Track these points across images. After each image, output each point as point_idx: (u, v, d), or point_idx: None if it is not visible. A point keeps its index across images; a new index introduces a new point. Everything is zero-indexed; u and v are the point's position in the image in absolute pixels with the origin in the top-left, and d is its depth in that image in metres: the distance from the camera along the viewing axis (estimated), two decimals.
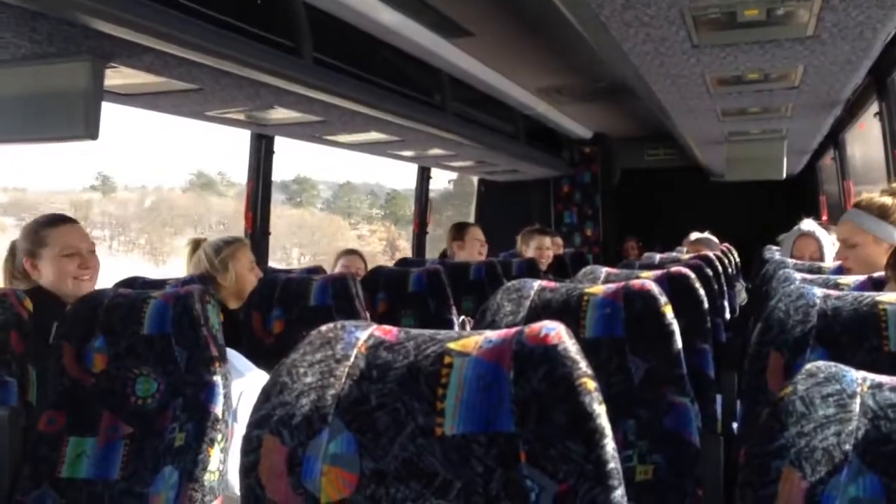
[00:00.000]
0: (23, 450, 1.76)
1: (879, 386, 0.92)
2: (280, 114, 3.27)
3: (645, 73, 2.76)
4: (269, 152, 4.01)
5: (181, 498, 1.61)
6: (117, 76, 2.44)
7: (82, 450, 1.75)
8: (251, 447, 0.94)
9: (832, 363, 0.95)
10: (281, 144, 4.06)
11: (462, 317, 3.52)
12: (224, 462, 1.67)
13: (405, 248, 5.55)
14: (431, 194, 5.99)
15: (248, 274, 2.81)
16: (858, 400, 0.91)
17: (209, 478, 1.62)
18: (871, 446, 0.88)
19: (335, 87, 2.91)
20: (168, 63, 2.33)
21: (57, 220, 2.33)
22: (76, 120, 2.21)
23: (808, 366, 0.95)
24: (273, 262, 4.34)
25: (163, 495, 1.64)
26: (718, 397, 2.38)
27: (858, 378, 0.93)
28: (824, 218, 6.44)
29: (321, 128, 3.66)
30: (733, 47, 2.45)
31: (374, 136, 4.06)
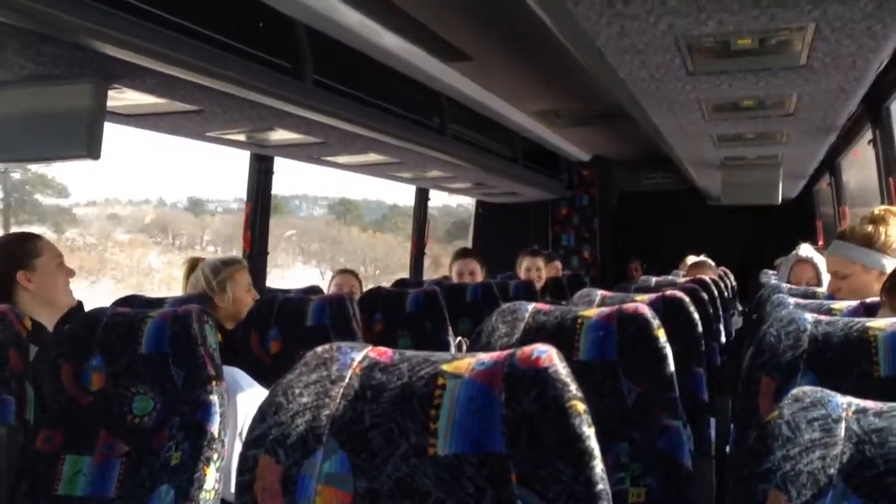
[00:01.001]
0: (20, 467, 1.77)
1: (864, 411, 0.93)
2: (280, 135, 3.30)
3: (641, 98, 2.79)
4: (269, 173, 4.04)
5: None
6: (120, 97, 2.47)
7: (79, 468, 1.75)
8: (247, 466, 0.96)
9: (818, 388, 0.97)
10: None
11: (459, 338, 3.53)
12: (220, 481, 1.67)
13: (445, 262, 5.67)
14: (463, 214, 6.04)
15: (245, 296, 2.82)
16: (843, 424, 0.92)
17: (205, 496, 1.63)
18: (856, 470, 0.89)
19: (335, 109, 2.94)
20: (170, 85, 2.36)
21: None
22: (79, 140, 2.24)
23: (795, 391, 0.97)
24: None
25: None
26: (712, 420, 2.39)
27: (844, 403, 0.95)
28: (820, 242, 6.47)
29: (320, 149, 3.70)
30: (728, 75, 2.48)
31: (373, 157, 4.09)
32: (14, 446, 1.80)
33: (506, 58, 3.81)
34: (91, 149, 2.25)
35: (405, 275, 5.92)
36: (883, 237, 2.35)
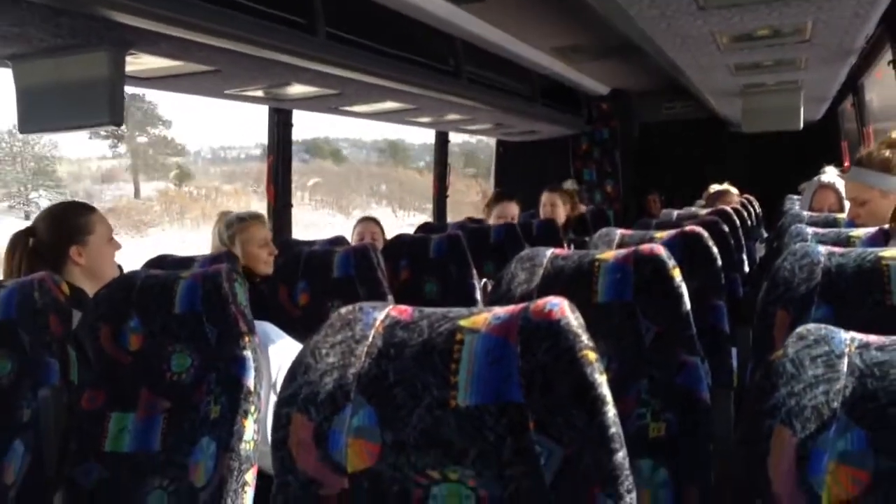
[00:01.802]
0: (68, 426, 1.85)
1: (867, 346, 0.97)
2: (297, 89, 3.32)
3: (653, 34, 2.77)
4: (288, 125, 4.07)
5: (219, 467, 1.69)
6: (138, 62, 2.50)
7: (124, 424, 1.83)
8: (280, 424, 1.02)
9: (822, 325, 1.00)
10: None
11: (484, 280, 3.58)
12: (258, 432, 1.75)
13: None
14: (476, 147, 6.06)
15: (257, 251, 2.85)
16: (846, 360, 0.96)
17: (245, 447, 1.70)
18: (858, 403, 0.93)
19: (349, 61, 2.96)
20: (186, 48, 2.39)
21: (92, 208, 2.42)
22: (101, 107, 2.28)
23: (800, 329, 1.01)
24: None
25: (202, 465, 1.72)
26: (734, 351, 2.43)
27: (847, 339, 0.98)
28: (846, 164, 6.40)
29: (337, 100, 3.71)
30: (739, 7, 2.46)
31: (390, 105, 4.10)
32: (60, 407, 1.88)
33: None
34: (113, 115, 2.29)
35: (465, 208, 5.87)
36: None
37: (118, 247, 2.41)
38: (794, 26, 2.82)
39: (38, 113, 2.37)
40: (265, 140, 4.16)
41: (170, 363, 1.86)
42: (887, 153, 2.36)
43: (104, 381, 1.88)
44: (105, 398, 1.86)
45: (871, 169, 2.37)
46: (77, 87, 2.29)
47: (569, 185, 6.27)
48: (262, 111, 3.98)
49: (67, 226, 2.33)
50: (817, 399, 0.95)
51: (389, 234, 3.99)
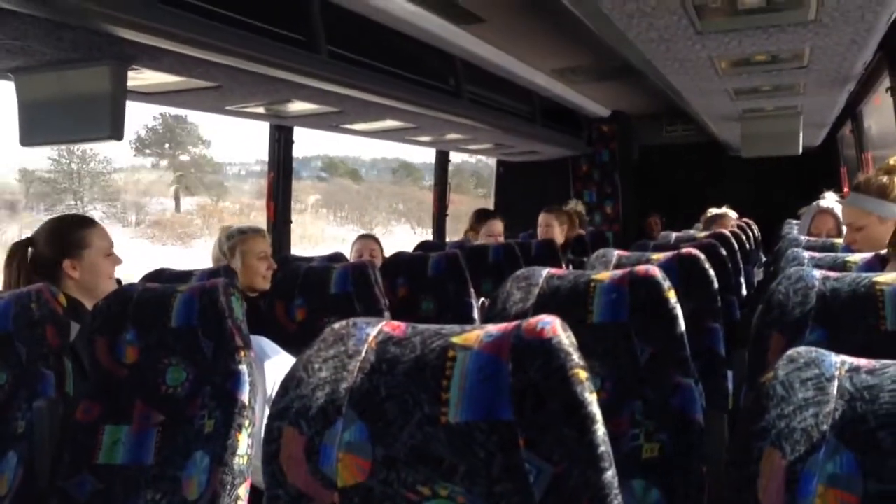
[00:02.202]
0: (62, 438, 1.85)
1: (857, 369, 0.97)
2: (297, 106, 3.34)
3: (652, 58, 2.79)
4: (289, 142, 4.09)
5: (212, 481, 1.69)
6: (140, 77, 2.52)
7: (118, 437, 1.83)
8: (272, 437, 1.02)
9: (813, 349, 1.01)
10: None
11: (482, 299, 3.58)
12: (251, 447, 1.75)
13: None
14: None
15: (256, 263, 2.85)
16: (836, 383, 0.96)
17: (238, 462, 1.70)
18: (848, 426, 0.93)
19: (350, 79, 2.98)
20: (187, 64, 2.41)
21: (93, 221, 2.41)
22: (102, 122, 2.29)
23: (790, 351, 1.01)
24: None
25: (195, 479, 1.72)
26: (730, 374, 2.43)
27: (837, 362, 0.98)
28: (845, 189, 6.42)
29: (338, 118, 3.74)
30: (737, 32, 2.48)
31: (391, 123, 4.12)
32: (55, 418, 1.88)
33: (518, 18, 3.80)
34: (114, 130, 2.30)
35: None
36: None
37: (118, 262, 2.39)
38: (792, 52, 2.84)
39: (39, 126, 2.39)
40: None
41: (165, 376, 1.86)
42: (885, 179, 2.38)
43: (99, 394, 1.88)
44: (100, 410, 1.86)
45: (868, 195, 2.39)
46: (79, 101, 2.30)
47: (572, 205, 6.29)
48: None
49: (63, 240, 2.32)
50: (807, 422, 0.95)
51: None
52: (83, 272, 2.32)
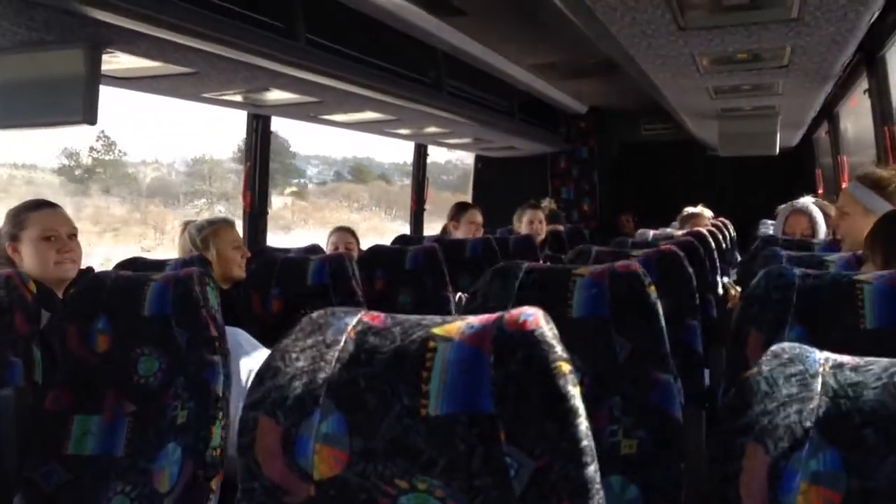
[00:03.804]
0: (30, 427, 1.82)
1: (841, 366, 0.96)
2: (276, 95, 3.31)
3: (634, 53, 2.79)
4: (266, 132, 4.05)
5: (184, 473, 1.66)
6: (115, 61, 2.47)
7: (87, 427, 1.80)
8: (247, 428, 1.00)
9: (797, 345, 1.00)
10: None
11: (459, 293, 3.57)
12: (225, 439, 1.72)
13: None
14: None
15: (230, 253, 2.82)
16: (820, 379, 0.95)
17: (211, 454, 1.68)
18: (832, 423, 0.93)
19: (329, 69, 2.95)
20: (164, 48, 2.37)
21: (39, 205, 2.35)
22: (74, 105, 2.25)
23: (774, 347, 1.00)
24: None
25: (166, 471, 1.69)
26: (707, 371, 2.44)
27: (821, 358, 0.98)
28: (820, 191, 6.47)
29: (317, 108, 3.70)
30: (720, 29, 2.48)
31: (370, 115, 4.09)
32: (23, 408, 1.85)
33: (500, 12, 3.79)
34: (87, 113, 2.26)
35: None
36: (894, 185, 2.37)
37: (67, 248, 2.33)
38: (773, 51, 2.84)
39: (11, 109, 2.34)
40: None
41: (137, 366, 1.83)
42: (885, 174, 2.39)
43: (69, 383, 1.85)
44: (69, 400, 1.83)
45: (864, 184, 2.40)
46: (52, 83, 2.26)
47: (546, 203, 6.30)
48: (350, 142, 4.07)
49: (9, 221, 2.31)
50: (790, 418, 0.94)
51: None
52: (24, 255, 2.30)
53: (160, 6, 2.10)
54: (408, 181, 6.23)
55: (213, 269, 2.78)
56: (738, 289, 3.07)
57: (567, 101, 6.61)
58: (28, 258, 2.30)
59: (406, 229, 6.05)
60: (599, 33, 2.51)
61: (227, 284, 2.83)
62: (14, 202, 2.36)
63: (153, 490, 1.68)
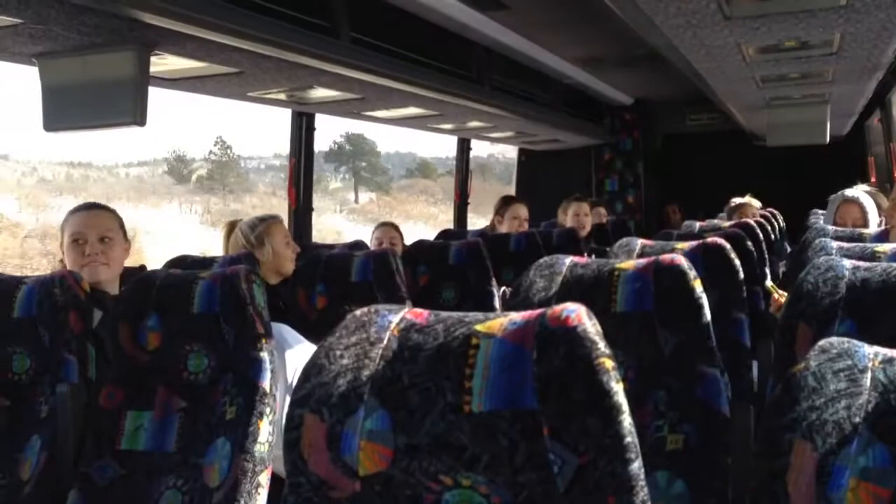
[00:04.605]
0: (85, 423, 1.86)
1: (891, 361, 0.95)
2: (319, 93, 3.33)
3: (678, 44, 2.75)
4: (311, 129, 4.08)
5: (233, 468, 1.68)
6: (162, 63, 2.52)
7: (140, 423, 1.83)
8: (293, 425, 1.01)
9: (846, 339, 0.99)
10: None
11: (503, 287, 3.57)
12: (273, 434, 1.74)
13: None
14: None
15: (284, 249, 2.86)
16: (869, 374, 0.94)
17: (259, 449, 1.70)
18: (881, 418, 0.91)
19: (372, 66, 2.96)
20: (209, 49, 2.40)
21: (78, 208, 2.41)
22: (125, 107, 2.29)
23: (822, 342, 0.99)
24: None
25: (216, 465, 1.72)
26: (755, 364, 2.40)
27: (870, 353, 0.96)
28: (873, 180, 6.34)
29: (360, 104, 3.73)
30: (767, 18, 2.43)
31: (413, 110, 4.11)
32: (78, 404, 1.89)
33: (542, 4, 3.77)
34: (136, 115, 2.30)
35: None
36: None
37: (84, 251, 2.36)
38: (822, 39, 2.78)
39: (63, 112, 2.39)
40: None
41: (187, 363, 1.86)
42: None
43: (122, 380, 1.88)
44: (122, 396, 1.87)
45: None
46: (102, 86, 2.30)
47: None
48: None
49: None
50: (839, 414, 0.93)
51: None
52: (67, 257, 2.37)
53: (205, 8, 2.14)
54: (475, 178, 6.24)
55: (264, 265, 2.82)
56: (782, 293, 3.01)
57: (611, 93, 6.55)
58: (66, 259, 2.37)
59: (478, 221, 6.06)
60: (643, 24, 2.48)
61: (276, 280, 2.87)
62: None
63: (203, 485, 1.71)
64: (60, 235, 2.38)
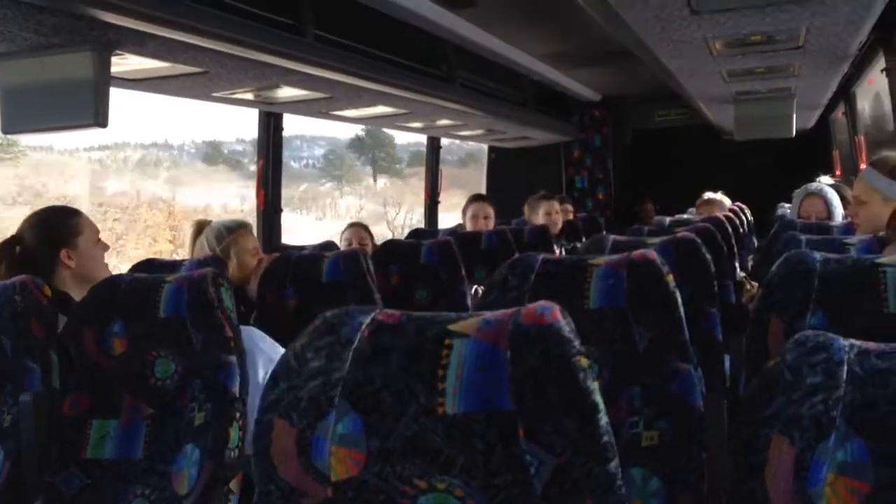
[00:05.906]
0: (49, 433, 1.82)
1: (866, 353, 0.94)
2: (286, 92, 3.30)
3: (646, 39, 2.75)
4: (279, 129, 4.04)
5: (202, 475, 1.66)
6: (124, 63, 2.47)
7: (106, 431, 1.80)
8: (263, 431, 0.98)
9: (821, 332, 0.98)
10: None
11: (475, 286, 3.55)
12: (243, 440, 1.72)
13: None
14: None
15: (249, 260, 2.79)
16: (846, 367, 0.93)
17: (229, 455, 1.67)
18: (858, 412, 0.91)
19: (339, 64, 2.93)
20: (172, 49, 2.36)
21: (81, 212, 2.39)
22: (85, 108, 2.25)
23: (798, 335, 0.98)
24: None
25: (185, 472, 1.69)
26: (727, 358, 2.40)
27: (846, 346, 0.95)
28: (837, 173, 6.41)
29: (328, 104, 3.69)
30: (733, 12, 2.44)
31: (382, 109, 4.08)
32: (42, 412, 1.85)
33: (510, 1, 3.76)
34: (98, 116, 2.26)
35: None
36: None
37: (106, 248, 2.37)
38: (788, 32, 2.80)
39: (22, 113, 2.34)
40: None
41: (153, 368, 1.83)
42: None
43: (87, 387, 1.85)
44: (87, 404, 1.83)
45: (880, 171, 2.37)
46: (62, 87, 2.25)
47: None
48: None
49: (55, 230, 2.29)
50: (816, 408, 0.92)
51: None
52: (79, 261, 2.29)
53: (167, 7, 2.09)
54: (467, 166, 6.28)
55: (230, 274, 2.77)
56: (754, 283, 3.02)
57: (580, 90, 6.57)
58: (86, 262, 2.30)
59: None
60: (611, 19, 2.48)
61: (241, 284, 2.82)
62: None
63: (173, 492, 1.68)
64: (70, 241, 2.31)
